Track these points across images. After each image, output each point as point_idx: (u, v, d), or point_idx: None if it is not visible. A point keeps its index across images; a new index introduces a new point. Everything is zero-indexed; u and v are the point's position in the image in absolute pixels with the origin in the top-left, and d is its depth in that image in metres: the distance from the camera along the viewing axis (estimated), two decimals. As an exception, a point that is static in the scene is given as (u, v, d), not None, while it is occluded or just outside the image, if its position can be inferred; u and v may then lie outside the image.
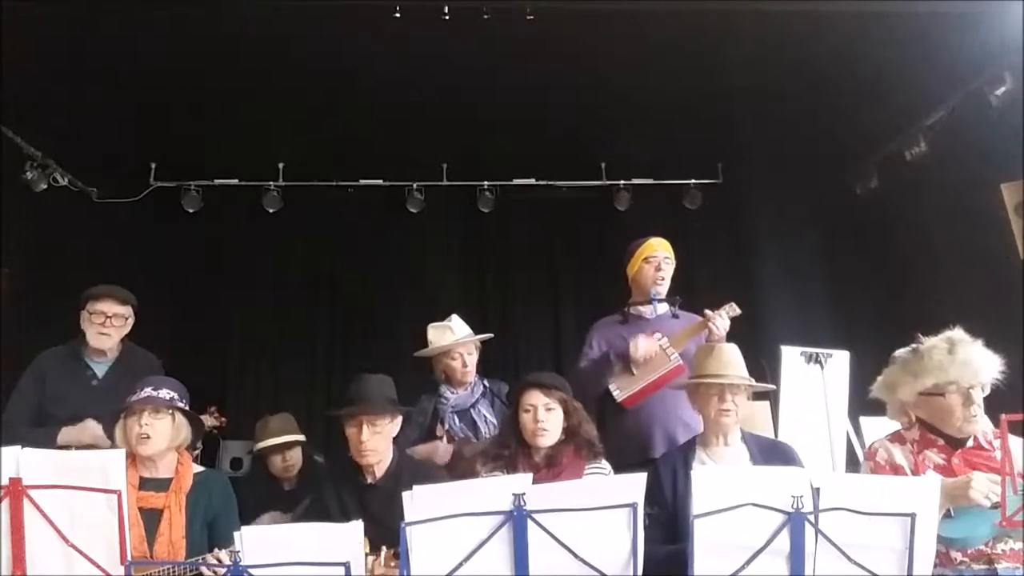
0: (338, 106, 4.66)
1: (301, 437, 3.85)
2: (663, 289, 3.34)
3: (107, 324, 3.08)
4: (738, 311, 3.14)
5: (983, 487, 2.04)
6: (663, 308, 3.35)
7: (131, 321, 3.17)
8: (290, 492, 3.77)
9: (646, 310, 3.33)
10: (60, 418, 2.98)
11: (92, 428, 2.90)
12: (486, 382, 3.48)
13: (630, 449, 3.05)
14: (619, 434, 3.14)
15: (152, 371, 3.13)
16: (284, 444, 3.80)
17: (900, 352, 2.43)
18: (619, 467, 2.70)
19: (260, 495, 3.67)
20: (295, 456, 3.83)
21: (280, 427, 3.84)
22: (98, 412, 2.89)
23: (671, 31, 3.96)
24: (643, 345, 3.10)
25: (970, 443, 2.29)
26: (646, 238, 3.41)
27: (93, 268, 4.50)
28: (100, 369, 3.12)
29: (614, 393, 3.16)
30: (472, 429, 3.34)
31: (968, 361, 2.27)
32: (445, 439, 3.31)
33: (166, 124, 4.79)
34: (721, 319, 3.09)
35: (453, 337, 3.37)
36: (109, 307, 3.08)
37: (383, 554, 2.19)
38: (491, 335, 3.57)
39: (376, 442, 2.61)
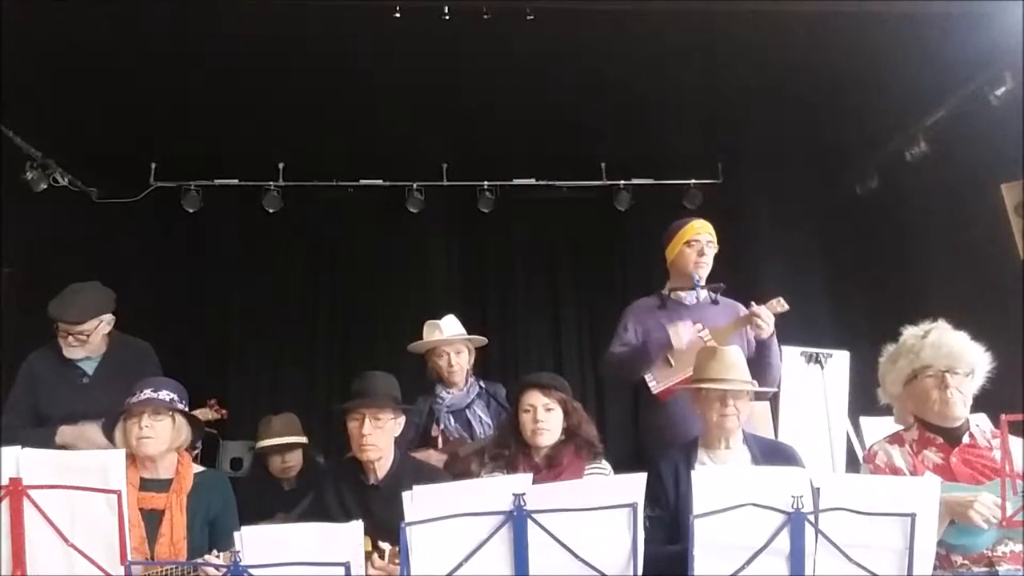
0: (338, 106, 4.66)
1: (303, 439, 3.85)
2: (704, 274, 3.16)
3: (73, 340, 3.01)
4: (786, 307, 2.94)
5: (985, 511, 2.03)
6: (703, 294, 3.18)
7: (108, 321, 3.08)
8: (290, 492, 3.76)
9: (686, 296, 3.16)
10: (56, 419, 2.97)
11: (90, 435, 2.86)
12: (482, 383, 3.50)
13: (666, 441, 2.88)
14: (656, 425, 3.03)
15: (143, 360, 3.14)
16: (285, 445, 3.80)
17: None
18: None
19: (260, 495, 3.67)
20: (294, 458, 3.83)
21: (283, 428, 3.84)
22: (93, 410, 2.87)
23: (672, 31, 3.96)
24: (686, 335, 2.93)
25: (966, 439, 2.29)
26: (687, 219, 3.24)
27: (93, 268, 4.49)
28: (89, 366, 3.08)
29: (650, 384, 3.01)
30: (467, 429, 3.36)
31: (939, 344, 2.28)
32: (440, 439, 3.33)
33: (166, 124, 4.79)
34: (767, 315, 2.90)
35: (440, 335, 3.41)
36: (69, 327, 3.00)
37: (387, 552, 2.19)
38: (482, 338, 3.57)
39: (377, 437, 2.60)
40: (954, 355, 2.28)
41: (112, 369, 3.07)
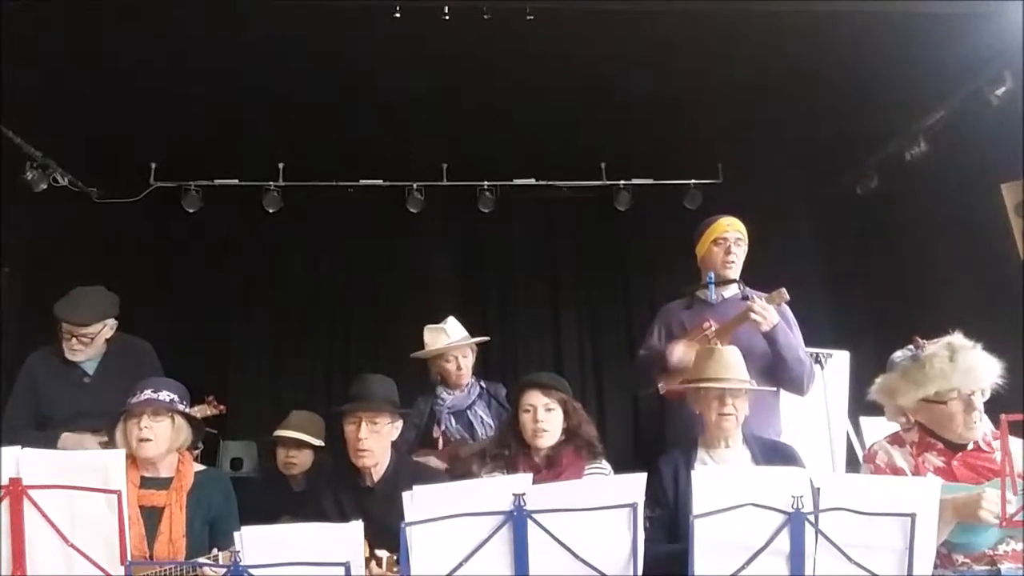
0: (338, 106, 4.66)
1: (315, 441, 3.82)
2: (733, 273, 3.11)
3: (76, 342, 3.03)
4: (787, 297, 2.90)
5: (995, 507, 2.02)
6: (731, 291, 3.11)
7: (111, 326, 3.10)
8: (299, 494, 3.75)
9: (711, 294, 3.08)
10: (58, 419, 2.98)
11: (90, 445, 2.86)
12: (483, 383, 3.49)
13: (688, 440, 2.83)
14: (677, 424, 2.99)
15: (143, 359, 3.15)
16: (292, 440, 3.78)
17: (898, 356, 2.42)
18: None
19: (269, 495, 3.66)
20: (300, 456, 3.80)
21: (298, 423, 3.82)
22: (94, 409, 2.88)
23: (671, 31, 3.96)
24: (677, 354, 2.92)
25: (970, 446, 2.28)
26: (716, 217, 3.18)
27: (93, 268, 4.50)
28: (89, 367, 3.10)
29: (658, 384, 3.02)
30: (468, 430, 3.35)
31: (970, 368, 2.25)
32: (441, 441, 3.32)
33: (166, 124, 4.79)
34: (764, 309, 2.84)
35: (447, 340, 3.39)
36: (74, 329, 3.02)
37: (385, 559, 2.19)
38: (487, 338, 3.56)
39: (374, 442, 2.60)
40: (980, 377, 2.26)
41: (112, 368, 3.08)
